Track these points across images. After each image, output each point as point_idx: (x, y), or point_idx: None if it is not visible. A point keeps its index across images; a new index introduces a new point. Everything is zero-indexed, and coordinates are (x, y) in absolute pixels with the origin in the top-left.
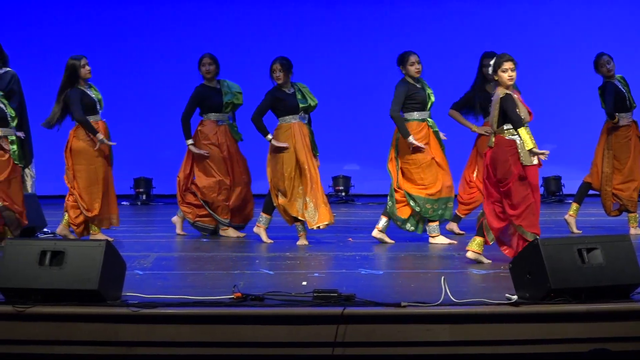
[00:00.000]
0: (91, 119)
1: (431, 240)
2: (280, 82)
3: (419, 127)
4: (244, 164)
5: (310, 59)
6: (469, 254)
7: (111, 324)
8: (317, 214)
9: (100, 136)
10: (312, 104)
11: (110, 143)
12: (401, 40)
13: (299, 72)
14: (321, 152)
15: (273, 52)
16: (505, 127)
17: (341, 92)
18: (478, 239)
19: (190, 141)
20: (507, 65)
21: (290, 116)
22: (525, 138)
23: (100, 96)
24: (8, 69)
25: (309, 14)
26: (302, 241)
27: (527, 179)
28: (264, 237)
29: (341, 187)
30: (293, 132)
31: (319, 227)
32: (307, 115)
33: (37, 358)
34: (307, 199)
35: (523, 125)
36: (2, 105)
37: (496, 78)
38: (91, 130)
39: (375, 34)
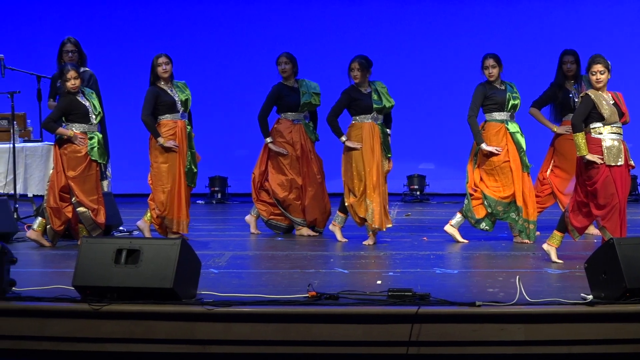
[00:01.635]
0: (169, 117)
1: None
2: (357, 81)
3: (496, 129)
4: (319, 164)
5: (388, 57)
6: (545, 246)
7: (186, 322)
8: (373, 216)
9: (161, 140)
10: (387, 105)
11: (169, 145)
12: (480, 38)
13: (377, 69)
14: (396, 150)
15: (353, 50)
16: (591, 126)
17: (417, 91)
18: (558, 235)
19: (269, 139)
20: (596, 67)
21: (363, 116)
22: (577, 144)
23: (185, 96)
24: (87, 68)
25: (388, 11)
26: (369, 241)
27: (613, 179)
28: (339, 236)
29: (416, 186)
30: (363, 132)
31: (375, 229)
32: (380, 116)
33: (112, 355)
34: (368, 201)
35: (582, 131)
36: (85, 102)
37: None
38: (153, 132)
39: (454, 32)
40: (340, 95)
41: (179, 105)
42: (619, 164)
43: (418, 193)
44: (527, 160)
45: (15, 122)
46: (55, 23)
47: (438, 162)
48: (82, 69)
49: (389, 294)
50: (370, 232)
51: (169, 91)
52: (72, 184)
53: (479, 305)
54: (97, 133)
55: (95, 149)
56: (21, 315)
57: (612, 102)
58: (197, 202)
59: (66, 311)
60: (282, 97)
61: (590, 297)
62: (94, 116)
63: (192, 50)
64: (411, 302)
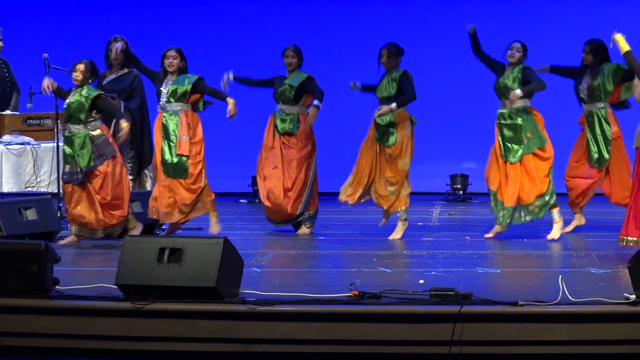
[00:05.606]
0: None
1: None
2: (385, 67)
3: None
4: (290, 159)
5: (429, 53)
6: None
7: (229, 321)
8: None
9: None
10: (385, 94)
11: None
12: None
13: (418, 65)
14: (439, 149)
15: (383, 41)
16: None
17: (459, 89)
18: None
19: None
20: None
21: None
22: None
23: (174, 87)
24: (132, 69)
25: (427, 3)
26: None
27: None
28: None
29: (459, 185)
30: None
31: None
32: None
33: (155, 354)
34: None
35: None
36: (70, 97)
37: None
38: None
39: (494, 28)
40: None
41: (163, 96)
42: None
43: (461, 192)
44: (507, 150)
45: (59, 121)
46: (101, 22)
47: (481, 161)
48: (127, 70)
49: (432, 293)
50: (383, 218)
51: (165, 82)
52: None
53: (522, 305)
54: (67, 133)
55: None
56: (64, 314)
57: None
58: (240, 200)
59: (109, 310)
60: (274, 85)
61: (634, 296)
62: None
63: (237, 48)
64: (454, 302)
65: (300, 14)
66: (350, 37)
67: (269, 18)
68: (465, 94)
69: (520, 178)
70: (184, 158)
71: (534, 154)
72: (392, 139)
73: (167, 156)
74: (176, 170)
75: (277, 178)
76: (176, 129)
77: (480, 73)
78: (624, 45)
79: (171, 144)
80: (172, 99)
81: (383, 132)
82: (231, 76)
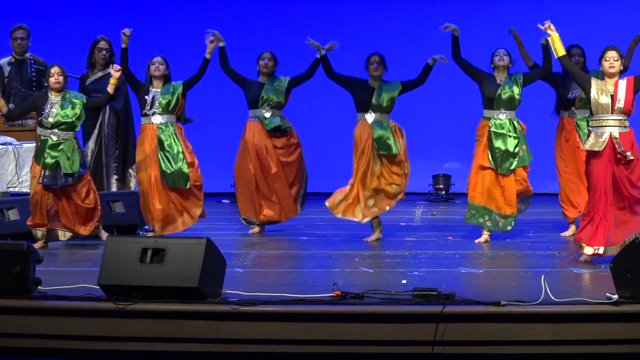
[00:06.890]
0: (142, 120)
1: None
2: (377, 74)
3: (482, 124)
4: (282, 163)
5: (408, 53)
6: None
7: (212, 321)
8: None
9: None
10: (387, 105)
11: None
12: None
13: (398, 67)
14: (422, 150)
15: (371, 46)
16: None
17: (442, 89)
18: None
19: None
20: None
21: (361, 113)
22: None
23: (166, 99)
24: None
25: (413, 5)
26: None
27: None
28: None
29: (441, 186)
30: (356, 130)
31: None
32: (378, 114)
33: (138, 354)
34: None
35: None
36: (53, 102)
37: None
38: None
39: (476, 30)
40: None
41: (154, 107)
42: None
43: (443, 192)
44: (502, 161)
45: None
46: (81, 23)
47: (464, 162)
48: (109, 70)
49: (414, 293)
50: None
51: (152, 91)
52: None
53: (504, 305)
54: (54, 139)
55: (42, 153)
56: (47, 314)
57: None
58: (223, 201)
59: (91, 310)
60: (246, 88)
61: (616, 296)
62: (50, 119)
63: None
64: (436, 302)
65: (289, 11)
66: (338, 36)
67: (259, 17)
68: (449, 93)
69: (509, 188)
70: (188, 168)
71: (522, 168)
72: (394, 149)
73: (165, 167)
74: (179, 179)
75: (280, 181)
76: (174, 140)
77: (463, 73)
78: (560, 48)
79: (168, 155)
80: (165, 111)
81: (384, 143)
82: (222, 44)
